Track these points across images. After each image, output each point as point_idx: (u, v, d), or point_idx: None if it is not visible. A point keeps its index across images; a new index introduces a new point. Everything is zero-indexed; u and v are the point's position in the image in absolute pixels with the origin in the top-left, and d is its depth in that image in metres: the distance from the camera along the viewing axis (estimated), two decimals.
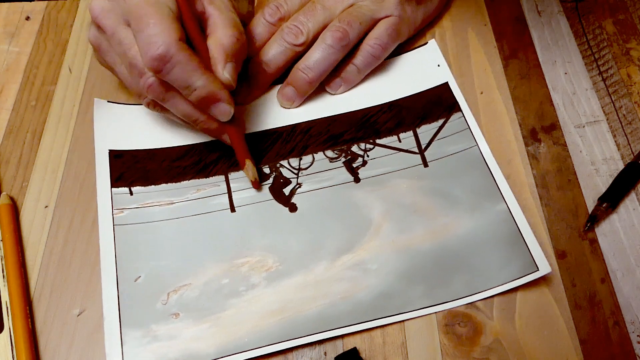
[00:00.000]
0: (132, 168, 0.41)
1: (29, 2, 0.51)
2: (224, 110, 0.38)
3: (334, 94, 0.45)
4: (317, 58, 0.43)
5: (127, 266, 0.37)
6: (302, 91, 0.44)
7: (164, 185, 0.40)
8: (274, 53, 0.43)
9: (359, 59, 0.44)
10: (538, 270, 0.36)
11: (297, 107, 0.44)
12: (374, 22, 0.44)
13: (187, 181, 0.40)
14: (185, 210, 0.39)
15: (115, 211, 0.39)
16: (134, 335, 0.34)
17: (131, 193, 0.40)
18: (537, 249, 0.37)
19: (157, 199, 0.39)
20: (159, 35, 0.35)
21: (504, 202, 0.39)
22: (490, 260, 0.37)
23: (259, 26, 0.44)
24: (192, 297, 0.36)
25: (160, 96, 0.38)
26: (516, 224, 0.38)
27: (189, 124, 0.40)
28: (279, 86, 0.45)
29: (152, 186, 0.40)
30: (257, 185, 0.40)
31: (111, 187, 0.40)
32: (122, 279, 0.36)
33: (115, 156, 0.41)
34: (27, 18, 0.50)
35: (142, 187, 0.40)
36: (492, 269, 0.36)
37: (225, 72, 0.38)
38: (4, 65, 0.47)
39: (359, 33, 0.43)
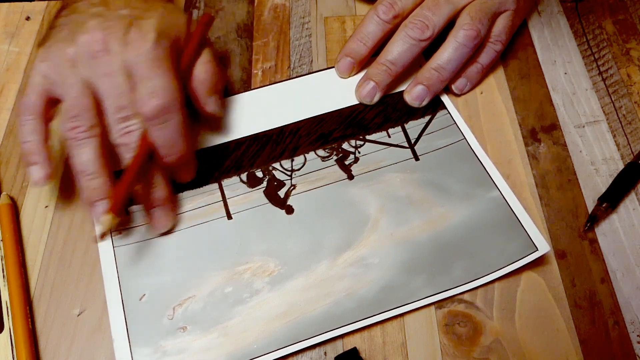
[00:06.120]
0: None
1: (29, 2, 0.51)
2: (190, 174, 0.39)
3: (459, 95, 0.45)
4: (450, 57, 0.42)
5: (130, 286, 0.36)
6: (434, 90, 0.43)
7: None
8: (399, 51, 0.42)
9: (484, 57, 0.44)
10: (537, 250, 0.37)
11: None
12: (496, 17, 0.44)
13: (180, 193, 0.40)
14: (183, 223, 0.39)
15: (113, 232, 0.38)
16: (144, 353, 0.34)
17: (127, 212, 0.39)
18: (534, 230, 0.37)
19: None
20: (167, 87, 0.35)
21: (497, 189, 0.39)
22: (488, 245, 0.37)
23: (372, 24, 0.43)
24: (198, 308, 0.36)
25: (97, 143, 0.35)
26: (511, 209, 0.39)
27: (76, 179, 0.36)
28: (262, 89, 0.45)
29: None
30: (101, 238, 0.35)
31: None
32: (127, 299, 0.36)
33: None
34: (27, 18, 0.50)
35: (137, 205, 0.39)
36: (492, 253, 0.37)
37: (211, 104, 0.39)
38: (4, 65, 0.47)
39: (488, 30, 0.43)
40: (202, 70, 0.39)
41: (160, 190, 0.37)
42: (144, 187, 0.37)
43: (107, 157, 0.35)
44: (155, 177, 0.37)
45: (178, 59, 0.37)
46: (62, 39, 0.36)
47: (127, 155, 0.35)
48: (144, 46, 0.35)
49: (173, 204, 0.39)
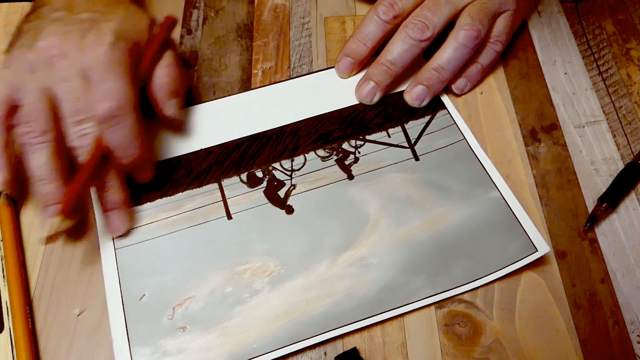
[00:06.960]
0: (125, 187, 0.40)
1: (28, 2, 0.51)
2: (148, 175, 0.39)
3: (459, 95, 0.45)
4: (450, 57, 0.42)
5: (131, 286, 0.36)
6: (434, 90, 0.43)
7: (159, 200, 0.40)
8: (399, 51, 0.42)
9: (485, 57, 0.44)
10: (537, 251, 0.37)
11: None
12: (496, 17, 0.44)
13: (180, 193, 0.40)
14: (183, 223, 0.39)
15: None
16: (144, 353, 0.34)
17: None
18: (534, 231, 0.38)
19: (154, 215, 0.39)
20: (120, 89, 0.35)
21: (497, 190, 0.40)
22: (488, 245, 0.37)
23: (372, 25, 0.43)
24: (198, 308, 0.36)
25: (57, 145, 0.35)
26: (510, 209, 0.39)
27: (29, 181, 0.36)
28: (262, 89, 0.45)
29: (148, 203, 0.39)
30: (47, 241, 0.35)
31: None
32: (127, 299, 0.36)
33: None
34: None
35: (139, 206, 0.39)
36: (491, 254, 0.37)
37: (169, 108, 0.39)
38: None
39: (488, 30, 0.43)
40: (162, 74, 0.39)
41: (114, 193, 0.37)
42: (100, 191, 0.37)
43: (64, 162, 0.35)
44: (111, 181, 0.37)
45: (139, 62, 0.38)
46: (23, 45, 0.36)
47: (82, 158, 0.35)
48: (100, 50, 0.35)
49: (128, 208, 0.38)
